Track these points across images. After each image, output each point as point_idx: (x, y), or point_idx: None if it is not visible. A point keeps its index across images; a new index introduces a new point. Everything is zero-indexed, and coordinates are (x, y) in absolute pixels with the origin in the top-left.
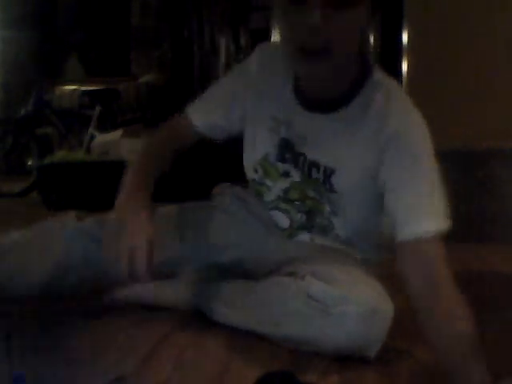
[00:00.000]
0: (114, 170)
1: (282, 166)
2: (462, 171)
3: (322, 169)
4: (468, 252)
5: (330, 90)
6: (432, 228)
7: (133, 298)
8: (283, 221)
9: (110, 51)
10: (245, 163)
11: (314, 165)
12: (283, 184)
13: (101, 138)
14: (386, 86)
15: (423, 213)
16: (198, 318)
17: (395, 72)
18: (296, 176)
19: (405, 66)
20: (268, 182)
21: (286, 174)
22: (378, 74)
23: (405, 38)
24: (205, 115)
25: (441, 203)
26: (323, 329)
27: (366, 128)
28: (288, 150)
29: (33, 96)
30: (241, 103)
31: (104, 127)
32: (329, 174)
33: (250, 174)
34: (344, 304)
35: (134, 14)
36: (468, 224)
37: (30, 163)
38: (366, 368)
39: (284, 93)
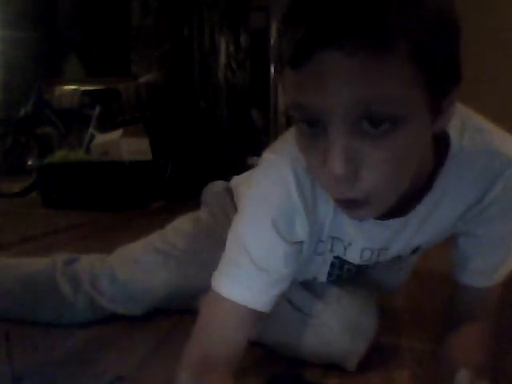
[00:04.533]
0: (113, 169)
1: (332, 278)
2: None
3: (403, 257)
4: None
5: (401, 197)
6: (509, 270)
7: None
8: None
9: (110, 51)
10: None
11: (395, 259)
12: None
13: (101, 138)
14: (473, 145)
15: (508, 263)
16: None
17: None
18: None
19: None
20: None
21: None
22: (455, 130)
23: None
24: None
25: None
26: (302, 337)
27: (462, 199)
28: (345, 272)
29: (33, 96)
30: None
31: (104, 127)
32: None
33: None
34: (323, 315)
35: (133, 14)
36: None
37: (29, 163)
38: (367, 369)
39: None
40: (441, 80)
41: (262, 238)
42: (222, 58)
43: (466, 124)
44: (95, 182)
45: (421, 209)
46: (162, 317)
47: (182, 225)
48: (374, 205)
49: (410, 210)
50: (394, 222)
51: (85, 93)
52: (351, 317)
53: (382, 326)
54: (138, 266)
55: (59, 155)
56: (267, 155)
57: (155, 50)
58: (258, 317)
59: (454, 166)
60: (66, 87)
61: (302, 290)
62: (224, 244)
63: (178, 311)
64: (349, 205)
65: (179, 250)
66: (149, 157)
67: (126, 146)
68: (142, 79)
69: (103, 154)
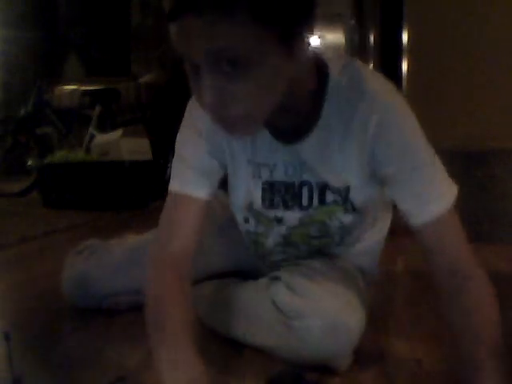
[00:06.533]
0: (113, 169)
1: (272, 212)
2: (462, 171)
3: (335, 193)
4: None
5: (289, 121)
6: (444, 204)
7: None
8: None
9: (110, 51)
10: (235, 214)
11: (323, 191)
12: (280, 230)
13: (101, 138)
14: (350, 82)
15: (433, 195)
16: (198, 318)
17: (395, 72)
18: (291, 220)
19: (405, 66)
20: (263, 230)
21: (279, 221)
22: (335, 69)
23: (405, 38)
24: (204, 181)
25: (444, 175)
26: (286, 340)
27: (349, 131)
28: (276, 193)
29: (33, 96)
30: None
31: (104, 127)
32: (345, 193)
33: (242, 226)
34: (305, 316)
35: (133, 14)
36: (467, 224)
37: (29, 163)
38: (367, 368)
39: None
40: (290, 29)
41: (189, 142)
42: None
43: (349, 65)
44: (95, 181)
45: (315, 137)
46: None
47: None
48: (246, 124)
49: (304, 137)
50: (296, 147)
51: (85, 93)
52: (332, 317)
53: (381, 325)
54: (134, 239)
55: (59, 155)
56: None
57: (155, 50)
58: (200, 207)
59: (335, 102)
60: (66, 87)
61: (284, 290)
62: (212, 234)
63: None
64: (225, 126)
65: None
66: (149, 157)
67: (125, 145)
68: (142, 79)
69: (103, 154)
